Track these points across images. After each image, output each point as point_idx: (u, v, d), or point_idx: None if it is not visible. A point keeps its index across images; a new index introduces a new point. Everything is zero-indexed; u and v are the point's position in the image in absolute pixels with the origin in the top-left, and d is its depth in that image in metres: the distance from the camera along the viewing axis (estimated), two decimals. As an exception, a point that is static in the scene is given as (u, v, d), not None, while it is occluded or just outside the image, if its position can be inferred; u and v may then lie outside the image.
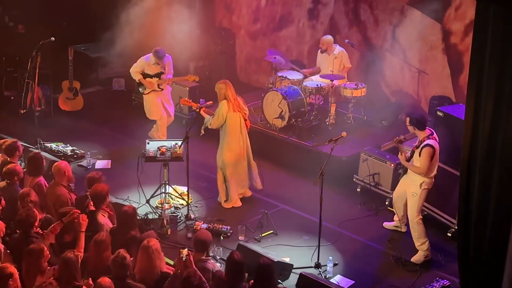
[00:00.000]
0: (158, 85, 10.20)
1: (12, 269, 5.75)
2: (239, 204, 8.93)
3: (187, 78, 10.32)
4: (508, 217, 5.93)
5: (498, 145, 5.91)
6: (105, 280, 5.72)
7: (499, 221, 6.05)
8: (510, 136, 5.80)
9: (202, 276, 6.00)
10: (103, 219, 7.14)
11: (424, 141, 7.44)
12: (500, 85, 5.81)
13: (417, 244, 7.73)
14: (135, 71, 10.23)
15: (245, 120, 8.80)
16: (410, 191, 7.64)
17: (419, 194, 7.55)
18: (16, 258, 6.31)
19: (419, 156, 7.41)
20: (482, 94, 5.99)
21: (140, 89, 10.35)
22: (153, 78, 10.20)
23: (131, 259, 6.19)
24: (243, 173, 8.91)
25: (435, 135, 7.53)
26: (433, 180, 7.58)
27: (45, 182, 7.85)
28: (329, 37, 10.72)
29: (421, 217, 7.69)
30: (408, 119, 7.58)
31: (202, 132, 8.96)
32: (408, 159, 7.58)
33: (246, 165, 8.93)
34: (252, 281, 6.27)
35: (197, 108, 8.83)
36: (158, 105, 10.32)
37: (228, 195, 8.91)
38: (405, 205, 7.90)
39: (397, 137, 7.68)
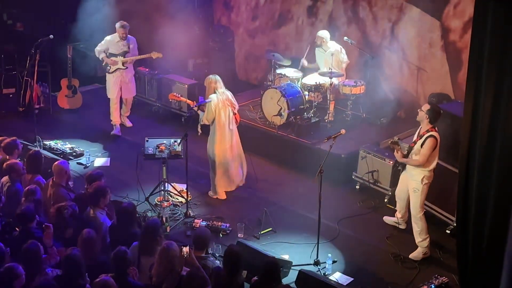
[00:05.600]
0: (123, 63, 10.48)
1: (20, 270, 5.70)
2: (224, 196, 8.95)
3: (151, 55, 10.62)
4: (507, 214, 5.95)
5: (497, 142, 5.92)
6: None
7: (497, 218, 6.06)
8: (508, 133, 5.80)
9: (205, 273, 5.99)
10: (102, 217, 7.13)
11: (424, 134, 7.46)
12: (499, 82, 5.81)
13: (418, 240, 7.73)
14: (99, 50, 10.54)
15: (234, 114, 8.79)
16: (412, 187, 7.65)
17: (420, 189, 7.56)
18: (16, 256, 6.29)
19: (421, 146, 7.43)
20: (481, 91, 5.99)
21: (107, 68, 10.63)
22: (118, 57, 10.48)
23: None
24: (232, 173, 8.88)
25: (436, 129, 7.55)
26: (433, 173, 7.59)
27: (44, 180, 7.84)
28: (323, 32, 10.64)
29: (424, 211, 7.71)
30: (428, 106, 7.53)
31: (199, 131, 8.95)
32: (406, 156, 7.60)
33: (238, 165, 8.93)
34: (255, 278, 6.26)
35: (194, 107, 8.81)
36: (117, 85, 10.68)
37: (214, 188, 8.91)
38: (407, 202, 7.90)
39: (392, 139, 7.70)
